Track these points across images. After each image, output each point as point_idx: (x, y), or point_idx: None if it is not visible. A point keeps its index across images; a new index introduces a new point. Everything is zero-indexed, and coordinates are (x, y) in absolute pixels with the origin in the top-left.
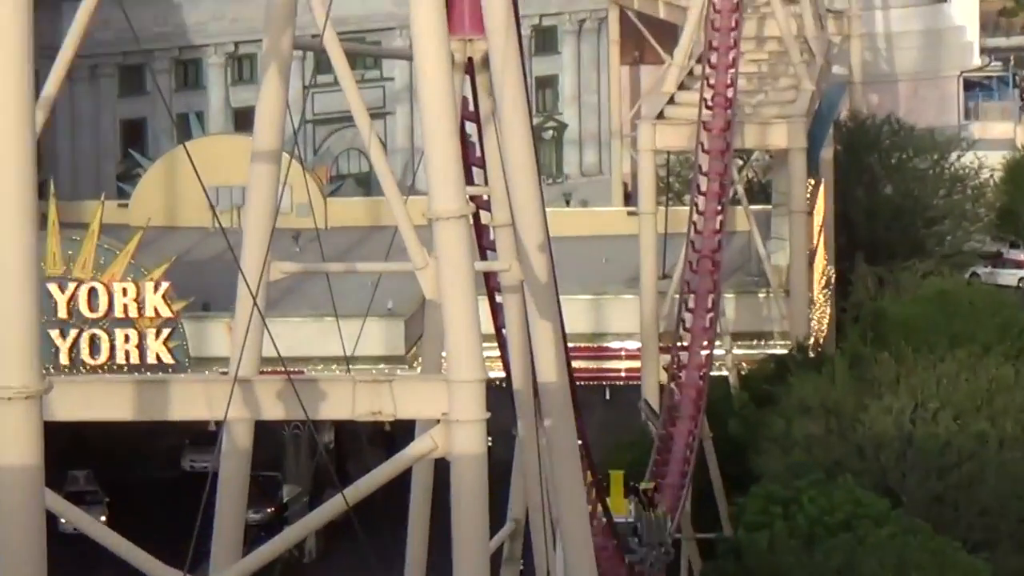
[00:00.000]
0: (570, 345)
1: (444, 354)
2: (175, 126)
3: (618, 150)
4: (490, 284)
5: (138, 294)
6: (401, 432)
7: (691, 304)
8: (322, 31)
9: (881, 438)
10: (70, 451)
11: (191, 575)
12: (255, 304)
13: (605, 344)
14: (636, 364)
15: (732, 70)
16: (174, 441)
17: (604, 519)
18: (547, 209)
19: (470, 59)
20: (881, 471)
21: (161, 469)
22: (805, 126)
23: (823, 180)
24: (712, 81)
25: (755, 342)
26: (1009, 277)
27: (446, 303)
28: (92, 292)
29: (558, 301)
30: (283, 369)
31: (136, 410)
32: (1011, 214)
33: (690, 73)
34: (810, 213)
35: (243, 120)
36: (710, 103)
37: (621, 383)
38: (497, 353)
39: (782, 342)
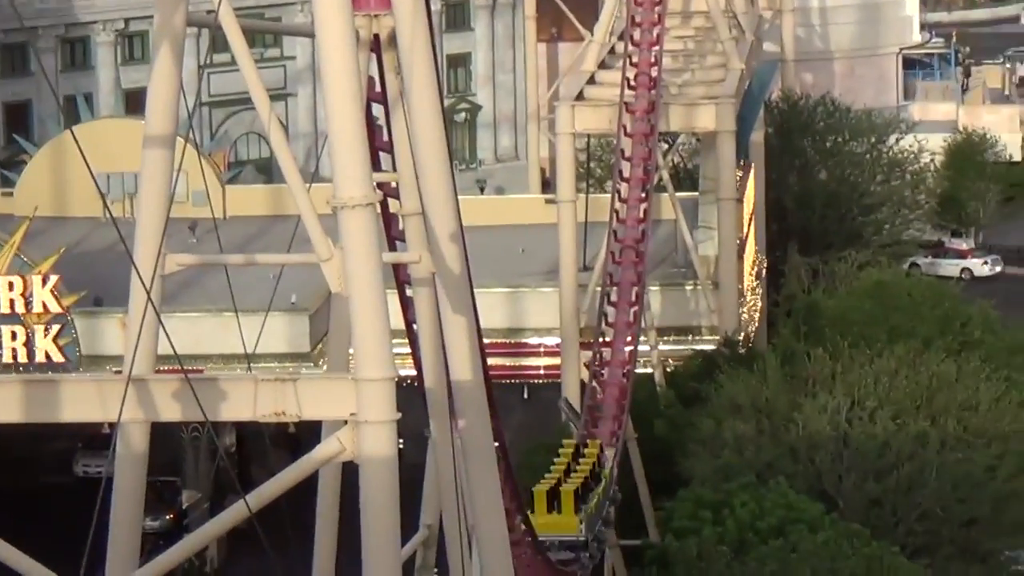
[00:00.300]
0: (485, 341)
1: (351, 351)
2: (62, 109)
3: (535, 133)
4: (399, 276)
5: (25, 288)
6: (307, 434)
7: (614, 297)
8: (217, 6)
9: (816, 439)
10: None
11: None
12: (149, 299)
13: (523, 340)
14: (556, 361)
15: (656, 47)
16: (65, 445)
17: (523, 526)
18: (460, 197)
19: (376, 36)
20: (816, 474)
21: (52, 474)
22: (734, 107)
23: (753, 165)
24: (635, 59)
25: (682, 337)
26: (951, 268)
27: (353, 297)
28: None
29: (472, 294)
30: (180, 368)
31: (25, 412)
32: (952, 201)
33: (611, 51)
34: (740, 200)
35: (135, 102)
36: (633, 83)
37: (540, 381)
38: (408, 350)
39: (710, 337)
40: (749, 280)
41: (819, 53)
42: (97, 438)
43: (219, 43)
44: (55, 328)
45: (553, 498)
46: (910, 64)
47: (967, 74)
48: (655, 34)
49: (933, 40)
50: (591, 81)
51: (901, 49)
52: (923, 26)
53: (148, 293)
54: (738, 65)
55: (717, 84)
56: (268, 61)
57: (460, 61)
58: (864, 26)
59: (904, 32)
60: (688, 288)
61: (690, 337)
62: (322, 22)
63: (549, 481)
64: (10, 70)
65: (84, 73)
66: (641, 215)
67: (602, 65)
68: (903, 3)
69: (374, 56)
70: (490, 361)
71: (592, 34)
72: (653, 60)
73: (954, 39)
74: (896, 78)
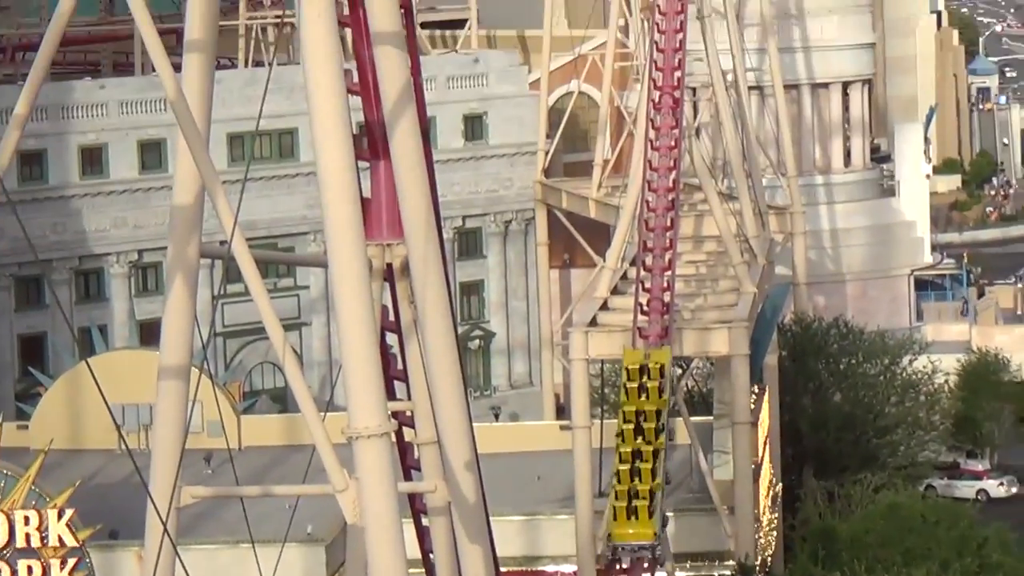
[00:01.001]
0: (502, 570)
1: None
2: (76, 341)
3: (549, 360)
4: (415, 506)
5: (41, 522)
6: None
7: None
8: (230, 238)
9: None
10: None
11: None
12: (165, 531)
13: (540, 568)
14: None
15: (668, 272)
16: None
17: None
18: (474, 424)
19: (389, 265)
20: None
21: None
22: (747, 331)
23: (767, 388)
24: (647, 285)
25: (698, 563)
26: (967, 489)
27: (369, 527)
28: None
29: (488, 523)
30: None
31: None
32: (967, 422)
33: (624, 276)
34: (754, 424)
35: (149, 333)
36: (646, 308)
37: None
38: None
39: (727, 563)
40: (765, 504)
41: (831, 275)
42: None
43: (232, 273)
44: (71, 562)
45: (631, 510)
46: (922, 285)
47: (980, 294)
48: (667, 259)
49: (944, 261)
50: (604, 307)
51: (913, 270)
52: (934, 247)
53: (164, 526)
54: (751, 289)
55: (730, 308)
56: (282, 291)
57: (473, 288)
58: (875, 248)
59: (915, 253)
60: (704, 513)
61: (707, 563)
62: (335, 252)
63: (624, 484)
64: (25, 303)
65: (98, 305)
66: None
67: (615, 291)
68: (914, 225)
69: (387, 285)
70: None
71: (604, 260)
72: (665, 285)
73: (965, 259)
74: (908, 299)
